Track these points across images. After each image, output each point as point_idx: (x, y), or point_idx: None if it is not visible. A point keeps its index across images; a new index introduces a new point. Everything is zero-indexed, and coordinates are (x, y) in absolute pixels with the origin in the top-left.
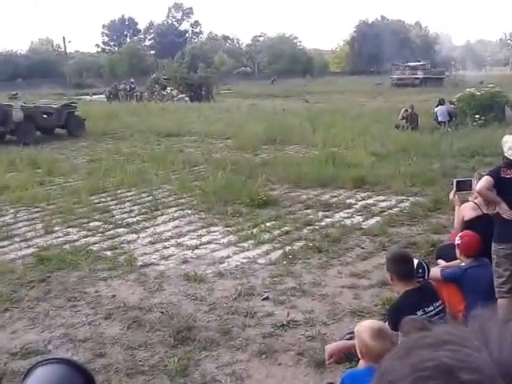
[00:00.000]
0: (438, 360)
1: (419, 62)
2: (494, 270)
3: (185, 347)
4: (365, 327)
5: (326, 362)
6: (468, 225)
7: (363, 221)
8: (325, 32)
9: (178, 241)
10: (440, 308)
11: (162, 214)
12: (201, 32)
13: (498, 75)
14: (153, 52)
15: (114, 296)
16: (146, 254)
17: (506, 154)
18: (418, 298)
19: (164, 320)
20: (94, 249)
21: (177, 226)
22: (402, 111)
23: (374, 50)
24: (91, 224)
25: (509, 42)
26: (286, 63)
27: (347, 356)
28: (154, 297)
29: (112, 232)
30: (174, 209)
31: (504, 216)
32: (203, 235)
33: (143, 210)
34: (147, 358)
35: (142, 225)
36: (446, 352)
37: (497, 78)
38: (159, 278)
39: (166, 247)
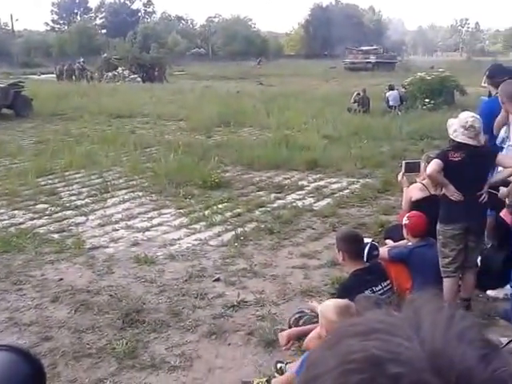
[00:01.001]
0: (366, 351)
1: (372, 46)
2: (440, 251)
3: (133, 329)
4: (329, 306)
5: (283, 348)
6: (415, 205)
7: (315, 202)
8: (280, 15)
9: (129, 223)
10: (388, 287)
11: (112, 197)
12: (154, 12)
13: (448, 60)
14: (104, 31)
15: (61, 279)
16: (95, 236)
17: (451, 137)
18: (366, 277)
19: (112, 303)
20: (41, 231)
21: (127, 209)
22: (354, 95)
23: (328, 33)
24: (38, 206)
25: (459, 28)
26: (241, 45)
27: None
28: (103, 280)
29: (60, 214)
30: (124, 191)
31: (452, 198)
32: (154, 217)
33: (92, 192)
34: (95, 341)
35: (90, 207)
36: (375, 342)
37: (447, 63)
38: (108, 260)
39: (115, 230)
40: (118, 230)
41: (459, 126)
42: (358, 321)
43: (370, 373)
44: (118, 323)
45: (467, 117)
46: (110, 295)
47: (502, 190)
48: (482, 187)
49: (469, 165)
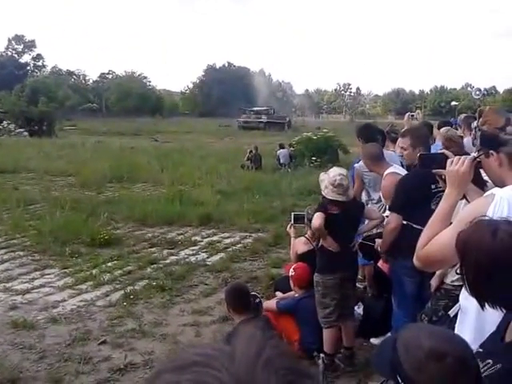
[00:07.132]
0: None
1: (263, 107)
2: (320, 302)
3: None
4: None
5: None
6: (301, 258)
7: (208, 257)
8: (174, 73)
9: (7, 285)
10: None
11: None
12: (44, 66)
13: (333, 122)
14: None
15: None
16: None
17: (323, 193)
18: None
19: None
20: None
21: (6, 269)
22: (247, 152)
23: (222, 93)
24: None
25: (342, 92)
26: (135, 102)
27: None
28: None
29: None
30: (3, 251)
31: (330, 248)
32: (36, 278)
33: None
34: None
35: None
36: (190, 375)
37: (332, 124)
38: None
39: None
40: None
41: (329, 183)
42: (179, 356)
43: None
44: None
45: (335, 175)
46: None
47: (378, 241)
48: (353, 237)
49: (343, 217)
